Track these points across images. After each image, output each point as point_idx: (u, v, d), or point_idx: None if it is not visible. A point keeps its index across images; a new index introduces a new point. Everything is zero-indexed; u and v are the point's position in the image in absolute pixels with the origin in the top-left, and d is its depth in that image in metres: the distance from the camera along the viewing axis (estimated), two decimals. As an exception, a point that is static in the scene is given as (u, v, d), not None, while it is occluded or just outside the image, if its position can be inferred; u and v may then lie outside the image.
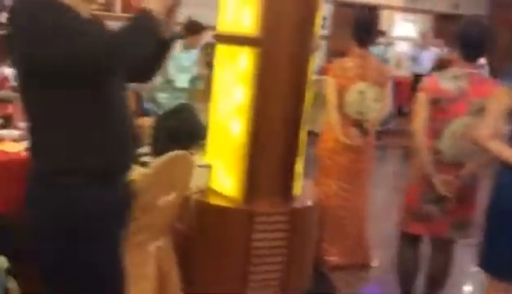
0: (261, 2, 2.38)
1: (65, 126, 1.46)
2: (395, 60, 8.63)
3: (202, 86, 4.62)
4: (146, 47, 1.39)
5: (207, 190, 2.65)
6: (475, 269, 2.27)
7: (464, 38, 2.44)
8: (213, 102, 2.72)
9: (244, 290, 2.51)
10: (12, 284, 2.06)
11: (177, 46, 4.34)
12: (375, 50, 7.83)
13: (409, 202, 2.55)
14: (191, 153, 2.54)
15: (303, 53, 2.49)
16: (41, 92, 1.44)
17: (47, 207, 1.48)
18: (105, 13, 7.81)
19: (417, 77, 8.17)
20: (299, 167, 2.65)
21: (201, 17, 6.89)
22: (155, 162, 2.27)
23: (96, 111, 1.48)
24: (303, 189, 2.74)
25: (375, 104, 3.15)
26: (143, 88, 4.66)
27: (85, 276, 1.53)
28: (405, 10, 10.33)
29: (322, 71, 6.47)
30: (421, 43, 8.53)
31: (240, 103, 2.53)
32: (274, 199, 2.54)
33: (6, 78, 4.19)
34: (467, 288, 3.35)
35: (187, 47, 4.66)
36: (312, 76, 2.67)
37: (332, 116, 3.13)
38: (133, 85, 3.22)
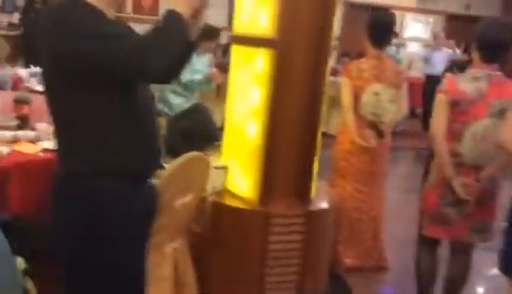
0: (277, 3, 2.37)
1: (95, 127, 1.47)
2: (407, 60, 8.59)
3: (213, 86, 4.60)
4: (176, 49, 1.38)
5: (223, 192, 2.64)
6: (494, 272, 2.24)
7: (482, 39, 2.41)
8: (228, 103, 2.71)
9: (260, 292, 2.49)
10: (30, 285, 2.06)
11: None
12: (386, 51, 7.78)
13: (427, 206, 2.52)
14: (207, 155, 2.54)
15: (319, 54, 2.47)
16: (71, 94, 1.45)
17: (76, 207, 1.48)
18: (116, 14, 7.85)
19: (429, 78, 8.13)
20: (315, 168, 2.63)
21: (207, 17, 6.92)
22: (172, 163, 2.26)
23: (126, 112, 1.49)
24: (318, 190, 2.72)
25: (391, 106, 3.13)
26: (154, 89, 4.67)
27: (111, 277, 1.53)
28: (416, 10, 10.28)
29: (333, 72, 6.44)
30: (433, 44, 8.47)
31: (256, 104, 2.51)
32: (290, 201, 2.53)
33: (20, 79, 4.21)
34: (486, 293, 3.31)
35: (202, 51, 4.64)
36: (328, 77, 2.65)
37: (347, 117, 3.11)
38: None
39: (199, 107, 4.02)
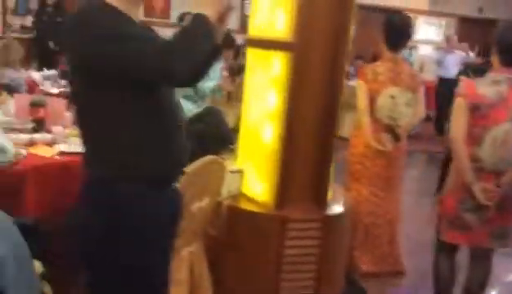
0: (295, 6, 2.35)
1: (119, 131, 1.46)
2: (419, 63, 8.54)
3: (222, 95, 4.59)
4: (202, 53, 1.38)
5: (238, 195, 2.62)
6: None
7: (502, 43, 2.38)
8: (244, 107, 2.70)
9: (276, 297, 2.47)
10: (47, 289, 2.06)
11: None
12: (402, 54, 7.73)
13: (446, 211, 2.49)
14: (223, 158, 2.52)
15: (336, 57, 2.45)
16: (95, 97, 1.44)
17: (101, 211, 1.48)
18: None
19: (442, 81, 8.07)
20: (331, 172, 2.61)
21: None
22: (188, 167, 2.25)
23: (155, 117, 1.49)
24: (333, 194, 2.70)
25: (407, 109, 3.09)
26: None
27: (136, 281, 1.53)
28: (428, 13, 10.22)
29: (346, 75, 6.42)
30: (446, 47, 8.41)
31: (272, 107, 2.50)
32: (307, 205, 2.50)
33: (35, 82, 4.23)
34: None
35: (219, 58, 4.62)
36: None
37: (363, 121, 3.08)
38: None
39: (213, 110, 4.00)
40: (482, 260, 2.57)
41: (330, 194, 2.61)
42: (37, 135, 2.60)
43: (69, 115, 3.02)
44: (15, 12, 7.96)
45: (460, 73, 5.69)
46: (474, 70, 5.07)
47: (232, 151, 2.97)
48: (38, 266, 2.05)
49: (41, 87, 4.31)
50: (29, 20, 7.83)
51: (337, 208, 2.60)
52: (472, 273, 2.60)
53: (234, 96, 6.83)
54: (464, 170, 2.35)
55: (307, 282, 2.52)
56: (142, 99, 1.45)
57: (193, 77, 1.42)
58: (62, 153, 2.46)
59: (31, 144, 2.53)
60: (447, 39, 8.59)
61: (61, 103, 2.99)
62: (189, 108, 4.04)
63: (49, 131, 2.71)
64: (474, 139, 2.33)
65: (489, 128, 2.31)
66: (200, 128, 3.15)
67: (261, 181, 2.57)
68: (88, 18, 1.42)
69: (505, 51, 2.36)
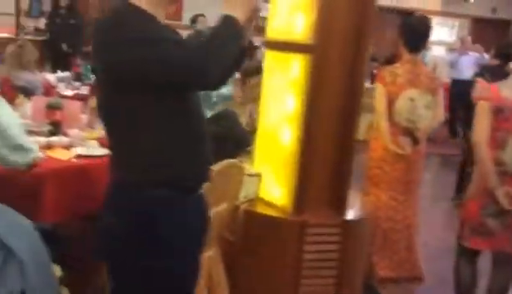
0: (315, 9, 2.32)
1: (150, 137, 1.45)
2: (432, 64, 8.46)
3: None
4: (231, 57, 1.35)
5: (256, 200, 2.59)
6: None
7: None
8: (262, 109, 2.67)
9: (294, 303, 2.44)
10: (65, 293, 2.04)
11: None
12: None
13: (468, 216, 2.44)
14: (241, 162, 2.50)
15: (356, 60, 2.42)
16: (122, 102, 1.43)
17: (130, 217, 1.46)
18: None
19: (455, 83, 7.98)
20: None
21: (208, 17, 6.93)
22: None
23: (182, 122, 1.47)
24: (352, 199, 2.66)
25: (427, 112, 3.04)
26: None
27: (164, 287, 1.51)
28: (441, 14, 10.14)
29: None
30: (460, 48, 8.33)
31: (291, 110, 2.47)
32: (326, 210, 2.47)
33: (52, 85, 4.23)
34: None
35: None
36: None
37: (381, 124, 3.03)
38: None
39: (228, 113, 3.98)
40: (504, 266, 2.52)
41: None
42: (54, 138, 2.59)
43: (84, 118, 3.02)
44: (29, 14, 8.00)
45: (477, 75, 5.60)
46: (491, 72, 5.00)
47: (248, 154, 2.95)
48: (56, 270, 2.04)
49: (56, 90, 4.32)
50: (42, 23, 7.87)
51: (357, 213, 2.57)
52: (494, 278, 2.55)
53: (246, 97, 6.81)
54: (488, 174, 2.30)
55: (326, 288, 2.48)
56: (170, 103, 1.43)
57: (221, 80, 1.41)
58: (79, 157, 2.45)
59: (48, 147, 2.52)
60: (461, 40, 8.50)
61: (77, 105, 2.98)
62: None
63: (65, 134, 2.70)
64: (498, 142, 2.29)
65: (513, 132, 2.26)
66: (216, 131, 3.12)
67: (279, 185, 2.54)
68: (117, 21, 1.40)
69: None
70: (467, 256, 2.54)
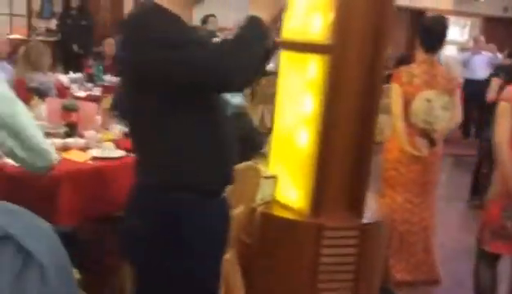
0: (332, 8, 2.29)
1: (176, 140, 1.44)
2: (444, 64, 8.36)
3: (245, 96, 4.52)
4: (255, 59, 1.34)
5: (272, 202, 2.57)
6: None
7: None
8: (277, 111, 2.64)
9: (311, 306, 2.41)
10: (83, 297, 2.03)
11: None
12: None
13: (489, 219, 2.40)
14: (257, 164, 2.48)
15: (374, 59, 2.38)
16: (147, 104, 1.42)
17: (154, 220, 1.46)
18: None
19: (468, 83, 7.90)
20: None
21: (219, 17, 6.91)
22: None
23: (206, 125, 1.46)
24: (368, 201, 2.62)
25: (444, 113, 3.00)
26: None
27: (187, 290, 1.50)
28: (453, 13, 10.05)
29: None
30: (473, 48, 8.24)
31: (307, 111, 2.44)
32: (343, 213, 2.44)
33: (66, 86, 4.23)
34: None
35: None
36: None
37: (397, 125, 3.00)
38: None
39: (242, 115, 3.96)
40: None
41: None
42: (70, 140, 2.58)
43: (99, 119, 3.01)
44: (40, 16, 8.04)
45: (492, 75, 5.54)
46: (506, 72, 4.94)
47: (263, 156, 2.92)
48: (74, 273, 2.03)
49: (71, 91, 4.32)
50: (53, 24, 7.91)
51: (374, 216, 2.53)
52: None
53: (257, 97, 6.78)
54: (509, 175, 2.26)
55: (342, 292, 2.45)
56: (194, 105, 1.42)
57: (245, 82, 1.40)
58: (95, 159, 2.44)
59: (64, 148, 2.51)
60: (475, 40, 8.42)
61: (92, 107, 2.97)
62: None
63: (81, 136, 2.69)
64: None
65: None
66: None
67: (295, 188, 2.51)
68: (142, 22, 1.39)
69: None
70: (487, 259, 2.50)
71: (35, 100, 3.18)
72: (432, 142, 3.02)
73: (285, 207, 2.53)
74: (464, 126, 7.97)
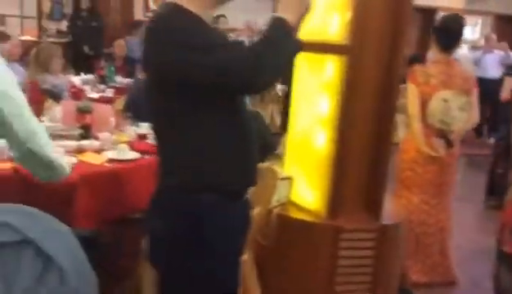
0: (349, 8, 2.27)
1: (201, 142, 1.43)
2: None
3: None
4: (280, 61, 1.32)
5: (288, 204, 2.55)
6: None
7: None
8: (292, 112, 2.62)
9: (328, 309, 2.39)
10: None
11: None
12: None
13: (509, 219, 2.36)
14: (273, 165, 2.46)
15: (392, 60, 2.35)
16: (170, 106, 1.41)
17: (178, 219, 1.46)
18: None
19: (480, 82, 7.82)
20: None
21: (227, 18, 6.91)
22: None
23: (229, 126, 1.45)
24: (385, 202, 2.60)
25: (461, 114, 2.97)
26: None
27: (207, 290, 1.50)
28: (464, 12, 9.96)
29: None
30: (485, 46, 8.17)
31: (324, 112, 2.41)
32: (361, 215, 2.41)
33: (80, 88, 4.22)
34: None
35: None
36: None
37: (414, 125, 2.97)
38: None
39: (255, 116, 3.94)
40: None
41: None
42: (85, 142, 2.57)
43: (113, 121, 3.01)
44: (51, 17, 8.07)
45: (505, 74, 5.48)
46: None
47: (277, 156, 2.90)
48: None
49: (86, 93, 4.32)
50: (63, 25, 7.94)
51: (392, 217, 2.50)
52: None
53: (266, 97, 6.77)
54: None
55: (360, 294, 2.43)
56: (218, 107, 1.42)
57: (269, 85, 1.38)
58: (111, 161, 2.43)
59: (80, 151, 2.50)
60: (486, 38, 8.35)
61: (107, 108, 2.97)
62: None
63: (96, 138, 2.69)
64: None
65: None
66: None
67: (312, 189, 2.49)
68: (164, 23, 1.38)
69: None
70: (508, 261, 2.45)
71: (49, 103, 3.17)
72: (449, 143, 2.99)
73: (301, 208, 2.51)
74: (478, 126, 7.90)
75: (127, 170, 2.40)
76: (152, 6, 8.08)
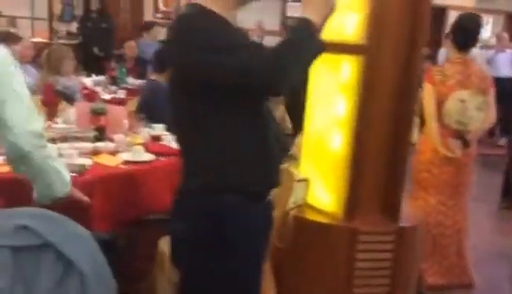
0: (367, 7, 2.24)
1: (224, 144, 1.43)
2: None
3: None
4: (306, 61, 1.31)
5: (304, 206, 2.52)
6: None
7: None
8: (308, 113, 2.60)
9: (346, 312, 2.36)
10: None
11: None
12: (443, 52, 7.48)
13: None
14: (289, 167, 2.44)
15: (410, 60, 2.32)
16: (194, 108, 1.41)
17: (200, 219, 1.45)
18: (169, 21, 7.91)
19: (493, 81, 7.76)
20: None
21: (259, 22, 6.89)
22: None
23: (251, 127, 1.45)
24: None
25: (478, 114, 2.93)
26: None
27: (230, 290, 1.50)
28: (475, 10, 9.88)
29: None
30: (496, 45, 8.10)
31: (341, 114, 2.39)
32: (378, 217, 2.39)
33: (92, 90, 4.23)
34: None
35: None
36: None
37: (430, 126, 2.93)
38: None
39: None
40: None
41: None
42: (100, 144, 2.57)
43: (126, 122, 3.00)
44: (61, 19, 8.12)
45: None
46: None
47: (291, 157, 2.88)
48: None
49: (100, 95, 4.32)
50: (74, 27, 7.98)
51: (410, 219, 2.47)
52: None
53: (277, 98, 6.74)
54: None
55: (378, 297, 2.40)
56: (240, 109, 1.41)
57: (287, 87, 1.37)
58: (127, 162, 2.42)
59: (95, 153, 2.50)
60: (498, 37, 8.28)
61: (121, 110, 2.96)
62: None
63: (110, 140, 2.68)
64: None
65: None
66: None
67: (328, 191, 2.46)
68: (188, 24, 1.37)
69: None
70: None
71: (63, 105, 3.17)
72: (465, 143, 2.95)
73: (317, 210, 2.48)
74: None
75: (142, 172, 2.39)
76: (162, 7, 8.09)
